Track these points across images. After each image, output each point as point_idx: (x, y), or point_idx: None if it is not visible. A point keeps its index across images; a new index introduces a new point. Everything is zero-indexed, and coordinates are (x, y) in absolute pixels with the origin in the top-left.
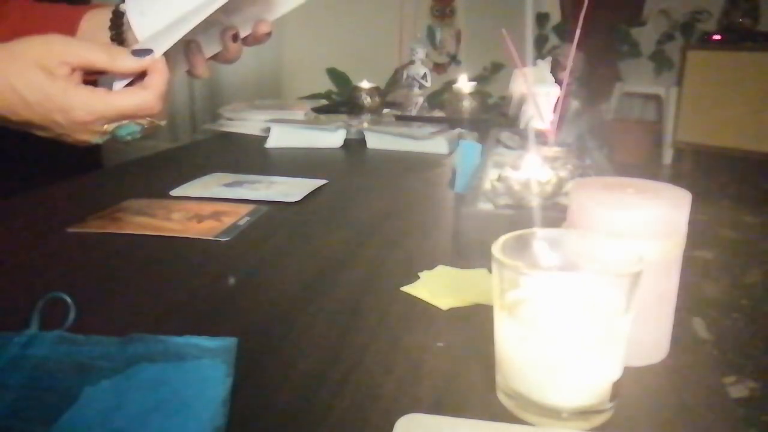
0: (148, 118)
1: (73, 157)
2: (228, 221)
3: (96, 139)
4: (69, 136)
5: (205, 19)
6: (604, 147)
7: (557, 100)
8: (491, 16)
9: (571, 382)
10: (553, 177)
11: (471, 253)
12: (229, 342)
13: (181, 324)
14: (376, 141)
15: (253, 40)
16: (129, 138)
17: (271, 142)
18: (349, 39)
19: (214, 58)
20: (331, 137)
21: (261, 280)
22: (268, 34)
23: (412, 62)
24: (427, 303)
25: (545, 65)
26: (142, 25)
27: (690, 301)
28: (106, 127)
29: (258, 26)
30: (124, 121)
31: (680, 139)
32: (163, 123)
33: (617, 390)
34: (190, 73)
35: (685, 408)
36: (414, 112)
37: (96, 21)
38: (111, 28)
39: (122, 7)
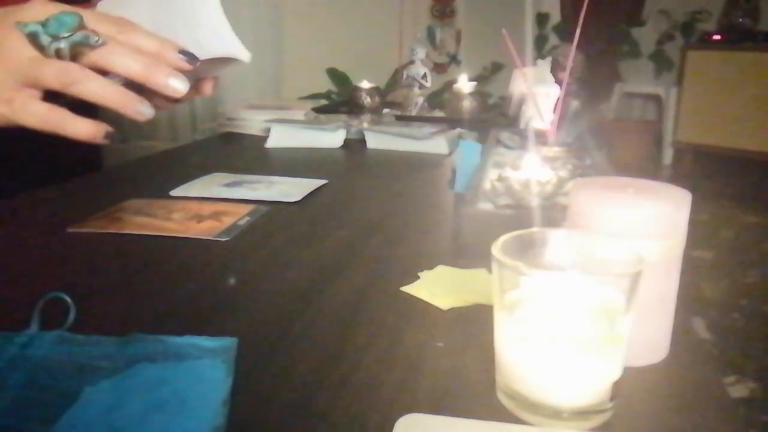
0: (87, 28)
1: (73, 157)
2: (228, 221)
3: (23, 25)
4: None
5: None
6: (604, 147)
7: (557, 100)
8: (491, 16)
9: (571, 382)
10: (553, 177)
11: (471, 253)
12: (229, 342)
13: (181, 324)
14: (376, 141)
15: (194, 93)
16: (64, 36)
17: (271, 142)
18: (349, 39)
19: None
20: (331, 137)
21: (261, 280)
22: (210, 95)
23: (412, 62)
24: (427, 303)
25: (545, 65)
26: None
27: (690, 301)
28: (48, 12)
29: (202, 87)
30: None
31: (680, 139)
32: (92, 46)
33: (617, 390)
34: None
35: (685, 408)
36: (414, 112)
37: (42, 13)
38: None
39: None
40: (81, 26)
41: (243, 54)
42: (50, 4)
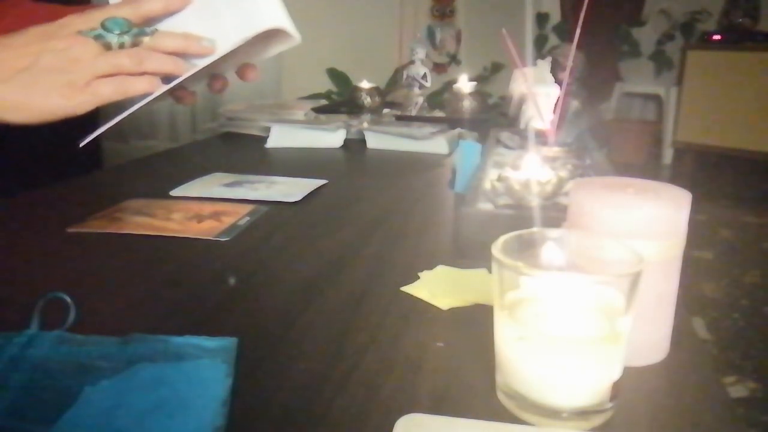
0: (136, 27)
1: (73, 157)
2: (228, 221)
3: (87, 31)
4: (61, 37)
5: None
6: (604, 147)
7: (557, 100)
8: (491, 16)
9: (571, 382)
10: (553, 177)
11: (471, 253)
12: (229, 342)
13: (181, 324)
14: (376, 141)
15: (240, 77)
16: (117, 34)
17: (271, 142)
18: (349, 39)
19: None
20: (331, 137)
21: (261, 280)
22: (255, 80)
23: (412, 62)
24: (427, 303)
25: (545, 65)
26: None
27: (690, 301)
28: (96, 21)
29: (245, 72)
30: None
31: (680, 139)
32: (148, 35)
33: (617, 390)
34: (176, 99)
35: (685, 408)
36: (414, 112)
37: (92, 22)
38: None
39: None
40: (129, 20)
41: (292, 29)
42: (97, 12)
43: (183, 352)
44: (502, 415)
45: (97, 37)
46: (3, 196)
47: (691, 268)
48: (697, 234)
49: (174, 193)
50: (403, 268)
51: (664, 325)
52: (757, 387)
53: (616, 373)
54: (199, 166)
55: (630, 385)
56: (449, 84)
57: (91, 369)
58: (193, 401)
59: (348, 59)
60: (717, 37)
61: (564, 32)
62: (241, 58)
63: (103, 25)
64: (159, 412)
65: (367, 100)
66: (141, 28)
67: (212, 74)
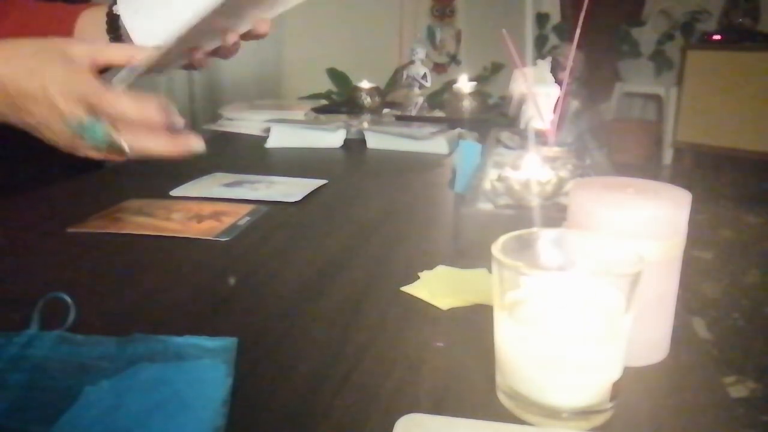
0: (116, 138)
1: (73, 157)
2: (228, 221)
3: (66, 126)
4: (42, 115)
5: (204, 22)
6: (604, 147)
7: (557, 100)
8: (491, 16)
9: (571, 382)
10: (553, 177)
11: (471, 253)
12: (229, 342)
13: (181, 324)
14: (376, 141)
15: (250, 36)
16: (94, 142)
17: (271, 142)
18: (349, 39)
19: (212, 53)
20: (331, 137)
21: (261, 280)
22: (267, 32)
23: (412, 62)
24: (427, 303)
25: (545, 65)
26: (135, 28)
27: (690, 301)
28: (80, 116)
29: (257, 25)
30: (96, 119)
31: (680, 139)
32: (125, 148)
33: (617, 390)
34: (188, 66)
35: (685, 408)
36: (414, 112)
37: (91, 20)
38: (108, 31)
39: (116, 8)
40: (108, 131)
41: None
42: (92, 50)
43: (183, 352)
44: (502, 415)
45: (75, 132)
46: (3, 196)
47: (691, 268)
48: (697, 234)
49: (174, 193)
50: (403, 268)
51: (664, 325)
52: (757, 387)
53: (616, 373)
54: (199, 166)
55: (630, 385)
56: (449, 84)
57: (91, 369)
58: (193, 401)
59: (348, 59)
60: (717, 37)
61: (564, 32)
62: (249, 14)
63: (82, 124)
64: (159, 412)
65: (367, 100)
66: (116, 143)
67: (224, 28)
